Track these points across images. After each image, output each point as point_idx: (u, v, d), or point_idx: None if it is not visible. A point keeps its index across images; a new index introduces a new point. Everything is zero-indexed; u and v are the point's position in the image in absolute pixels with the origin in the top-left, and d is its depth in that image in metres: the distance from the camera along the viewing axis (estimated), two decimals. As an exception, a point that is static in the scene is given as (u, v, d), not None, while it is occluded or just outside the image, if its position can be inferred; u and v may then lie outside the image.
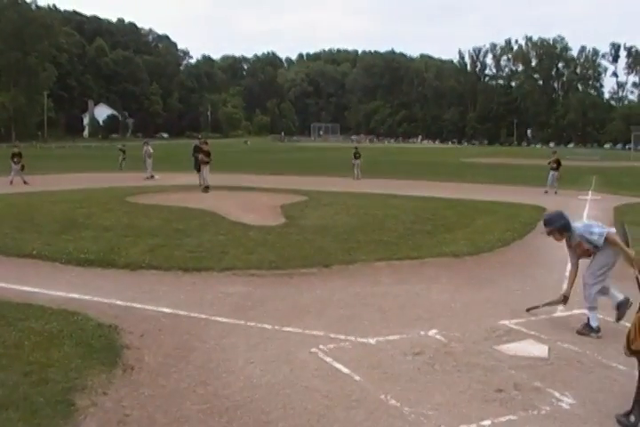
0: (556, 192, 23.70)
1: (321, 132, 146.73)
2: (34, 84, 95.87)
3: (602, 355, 5.94)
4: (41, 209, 15.46)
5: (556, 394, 5.04)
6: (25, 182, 25.01)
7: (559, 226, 6.91)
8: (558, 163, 25.00)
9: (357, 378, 5.33)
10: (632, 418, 4.44)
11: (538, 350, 6.11)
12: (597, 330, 6.60)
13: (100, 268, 9.24)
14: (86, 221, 13.51)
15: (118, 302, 7.45)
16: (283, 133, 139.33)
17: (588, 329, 6.67)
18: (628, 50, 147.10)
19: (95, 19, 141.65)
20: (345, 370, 5.50)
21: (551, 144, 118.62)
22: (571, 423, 4.57)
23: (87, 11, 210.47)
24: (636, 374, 4.51)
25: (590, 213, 16.70)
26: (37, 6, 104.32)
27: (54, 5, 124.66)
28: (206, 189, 21.69)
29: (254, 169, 35.43)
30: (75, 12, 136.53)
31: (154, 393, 4.96)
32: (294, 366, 5.58)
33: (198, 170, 23.03)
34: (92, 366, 5.24)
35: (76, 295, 7.69)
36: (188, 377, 5.30)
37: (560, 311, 7.51)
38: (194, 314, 7.10)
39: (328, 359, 5.75)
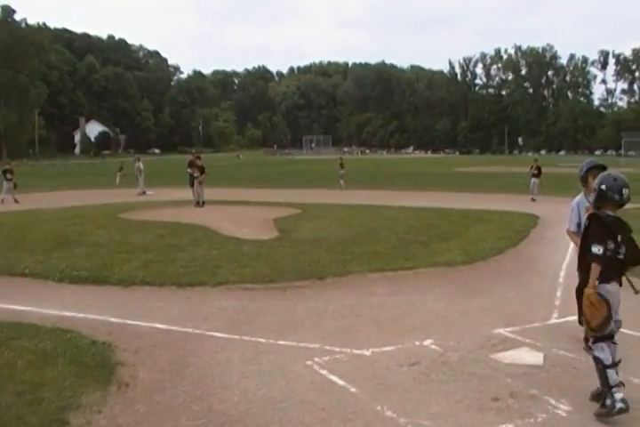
0: (534, 199, 23.40)
1: (313, 145, 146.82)
2: (24, 102, 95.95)
3: (597, 361, 5.93)
4: (33, 227, 15.40)
5: (553, 401, 5.03)
6: (16, 201, 24.94)
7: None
8: (539, 170, 25.12)
9: (353, 390, 5.31)
10: (608, 402, 4.56)
11: (533, 357, 6.11)
12: None
13: (93, 285, 9.20)
14: (79, 238, 13.46)
15: (112, 319, 7.41)
16: (275, 146, 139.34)
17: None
18: (617, 57, 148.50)
19: (85, 36, 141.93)
20: (340, 382, 5.48)
21: (542, 152, 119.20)
22: (567, 431, 4.57)
23: (77, 28, 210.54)
24: (630, 379, 4.51)
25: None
26: (27, 24, 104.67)
27: (44, 23, 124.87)
28: (201, 204, 21.68)
29: (247, 183, 35.48)
30: (65, 30, 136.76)
31: (149, 410, 4.93)
32: (290, 380, 5.56)
33: (192, 185, 23.03)
34: (86, 384, 5.20)
35: (69, 313, 7.65)
36: (184, 393, 5.27)
37: (555, 319, 7.52)
38: (188, 329, 7.08)
39: (323, 372, 5.73)
